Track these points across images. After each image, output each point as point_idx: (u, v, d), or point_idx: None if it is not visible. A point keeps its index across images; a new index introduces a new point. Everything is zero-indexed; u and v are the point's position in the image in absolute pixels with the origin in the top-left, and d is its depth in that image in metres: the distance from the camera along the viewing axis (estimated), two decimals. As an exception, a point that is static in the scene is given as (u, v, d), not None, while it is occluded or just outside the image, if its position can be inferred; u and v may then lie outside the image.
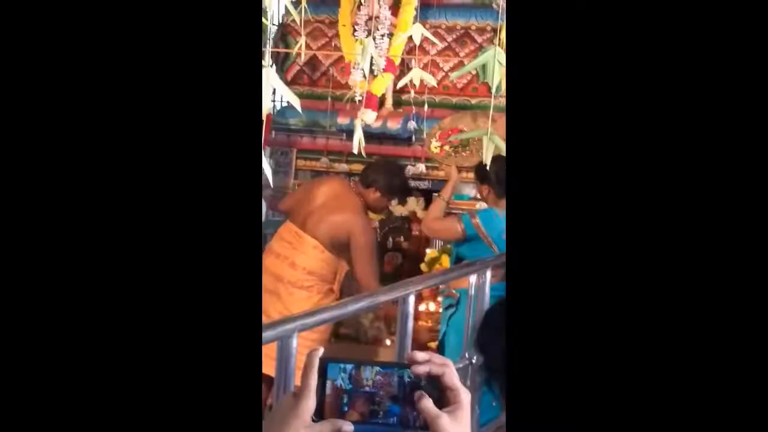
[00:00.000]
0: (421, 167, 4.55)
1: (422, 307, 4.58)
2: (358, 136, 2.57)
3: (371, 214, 4.66)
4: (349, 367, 0.99)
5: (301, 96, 4.67)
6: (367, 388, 0.98)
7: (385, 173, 4.22)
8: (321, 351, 0.99)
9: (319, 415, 0.96)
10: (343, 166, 4.74)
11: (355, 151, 2.63)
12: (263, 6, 2.60)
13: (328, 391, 0.98)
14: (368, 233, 4.19)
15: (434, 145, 4.31)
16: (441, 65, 4.54)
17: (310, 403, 0.96)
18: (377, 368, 0.99)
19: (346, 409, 0.97)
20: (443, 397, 0.98)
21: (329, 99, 4.69)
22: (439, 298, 4.42)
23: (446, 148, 4.29)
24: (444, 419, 0.95)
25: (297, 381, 2.52)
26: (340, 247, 4.15)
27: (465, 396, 0.98)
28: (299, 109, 2.52)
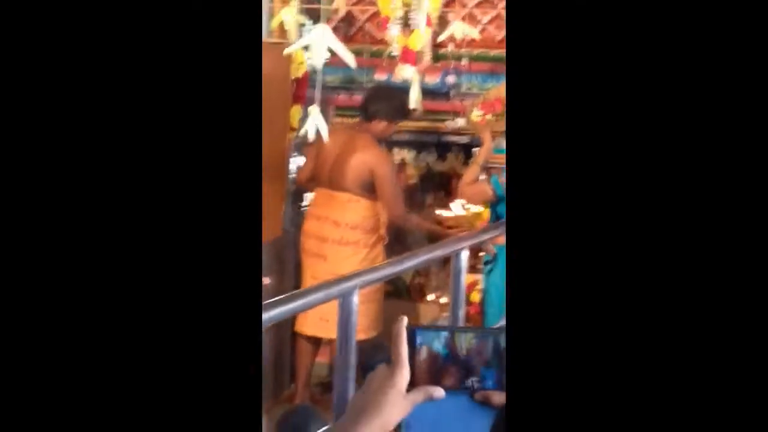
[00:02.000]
0: (461, 122, 4.52)
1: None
2: (416, 93, 2.55)
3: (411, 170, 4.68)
4: (443, 333, 0.99)
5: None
6: (462, 356, 0.98)
7: (384, 99, 4.16)
8: (405, 320, 0.99)
9: (411, 381, 0.97)
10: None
11: (412, 107, 2.62)
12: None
13: (423, 356, 0.98)
14: (389, 164, 4.19)
15: (475, 114, 4.27)
16: (478, 18, 4.50)
17: (405, 372, 0.96)
18: (471, 335, 0.99)
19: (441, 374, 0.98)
20: None
21: (365, 55, 4.65)
22: (481, 254, 4.43)
23: (488, 117, 4.25)
24: None
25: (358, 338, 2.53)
26: (372, 189, 4.14)
27: None
28: (353, 66, 2.53)
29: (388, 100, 4.15)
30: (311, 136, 2.40)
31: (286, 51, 2.19)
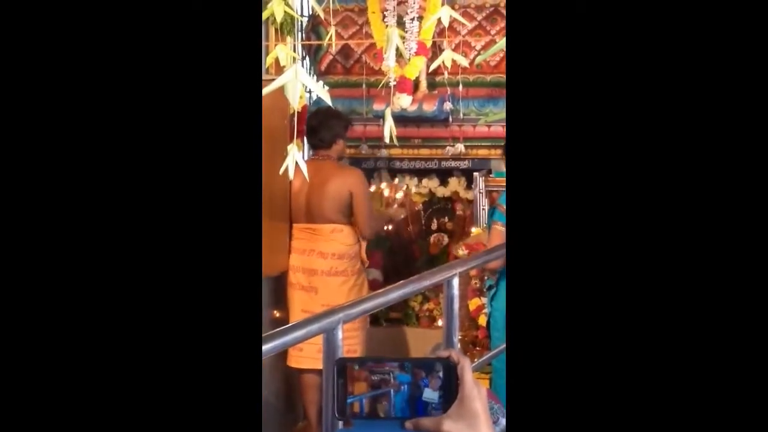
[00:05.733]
0: (460, 147, 4.56)
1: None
2: (389, 124, 2.58)
3: (415, 197, 4.73)
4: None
5: (335, 85, 4.75)
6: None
7: (331, 120, 4.25)
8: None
9: (342, 412, 0.98)
10: (383, 152, 4.75)
11: (387, 141, 2.65)
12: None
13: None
14: (365, 181, 4.32)
15: (461, 252, 4.31)
16: (473, 44, 4.53)
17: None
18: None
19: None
20: (457, 388, 1.00)
21: (364, 86, 4.71)
22: (486, 277, 4.44)
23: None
24: (447, 423, 0.98)
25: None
26: (351, 211, 4.24)
27: (470, 389, 1.00)
28: (329, 102, 2.56)
29: (335, 119, 4.25)
30: (291, 175, 2.43)
31: (264, 92, 2.22)
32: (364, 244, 4.34)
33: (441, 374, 0.99)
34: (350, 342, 4.03)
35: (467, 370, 1.00)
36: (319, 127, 4.21)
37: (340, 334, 2.40)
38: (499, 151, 4.31)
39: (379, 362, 1.00)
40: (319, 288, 4.20)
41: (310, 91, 4.76)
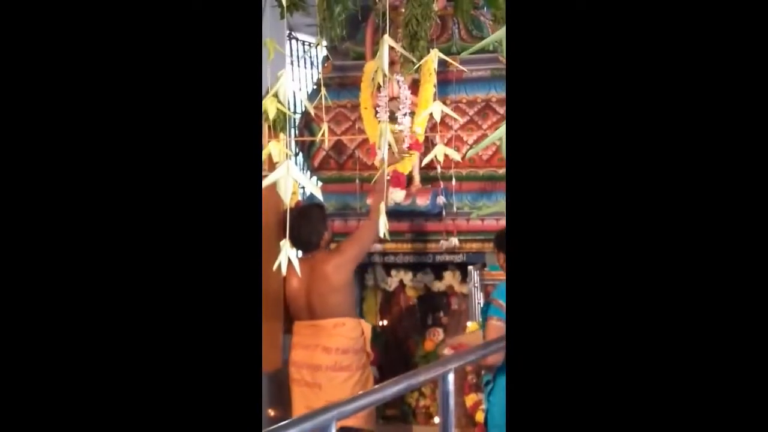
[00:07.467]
0: (455, 241, 4.55)
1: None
2: (383, 220, 2.58)
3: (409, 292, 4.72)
4: None
5: (329, 180, 4.76)
6: None
7: (312, 218, 4.28)
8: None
9: None
10: (377, 246, 4.74)
11: (381, 236, 2.65)
12: (284, 96, 2.65)
13: None
14: (348, 246, 4.31)
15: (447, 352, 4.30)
16: (465, 139, 4.57)
17: None
18: None
19: None
20: None
21: (357, 181, 4.72)
22: (483, 373, 4.39)
23: None
24: None
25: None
26: (352, 284, 4.31)
27: None
28: (320, 197, 2.57)
29: (314, 216, 4.29)
30: (284, 271, 2.40)
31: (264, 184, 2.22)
32: (368, 337, 4.29)
33: None
34: None
35: None
36: (301, 231, 4.22)
37: (334, 432, 2.36)
38: (491, 245, 4.30)
39: None
40: (323, 384, 4.14)
41: (303, 187, 4.78)
